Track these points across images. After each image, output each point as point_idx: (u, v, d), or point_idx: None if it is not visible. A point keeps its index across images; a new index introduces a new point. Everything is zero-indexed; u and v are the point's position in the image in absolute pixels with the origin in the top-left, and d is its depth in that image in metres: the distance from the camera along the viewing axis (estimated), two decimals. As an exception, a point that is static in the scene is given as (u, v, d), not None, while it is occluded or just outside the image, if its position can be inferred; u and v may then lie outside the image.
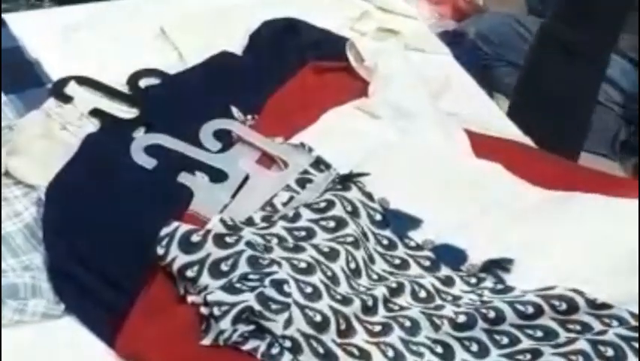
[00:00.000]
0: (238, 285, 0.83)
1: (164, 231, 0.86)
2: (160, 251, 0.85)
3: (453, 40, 1.68)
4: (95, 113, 1.02)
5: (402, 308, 0.86)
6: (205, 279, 0.83)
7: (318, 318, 0.82)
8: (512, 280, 0.90)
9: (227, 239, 0.86)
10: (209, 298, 0.82)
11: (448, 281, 0.90)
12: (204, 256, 0.84)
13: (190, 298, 0.84)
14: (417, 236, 0.94)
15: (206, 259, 0.84)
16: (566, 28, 1.42)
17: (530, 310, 0.86)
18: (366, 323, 0.84)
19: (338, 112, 1.07)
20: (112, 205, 0.92)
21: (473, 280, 0.91)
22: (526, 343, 0.84)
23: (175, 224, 0.86)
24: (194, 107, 1.04)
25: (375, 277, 0.90)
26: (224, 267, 0.84)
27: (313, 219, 0.92)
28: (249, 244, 0.86)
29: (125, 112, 1.03)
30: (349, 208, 0.93)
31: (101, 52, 1.09)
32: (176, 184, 0.95)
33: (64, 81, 1.05)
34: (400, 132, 1.05)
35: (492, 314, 0.85)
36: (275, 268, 0.84)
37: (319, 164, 0.99)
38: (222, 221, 0.88)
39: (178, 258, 0.84)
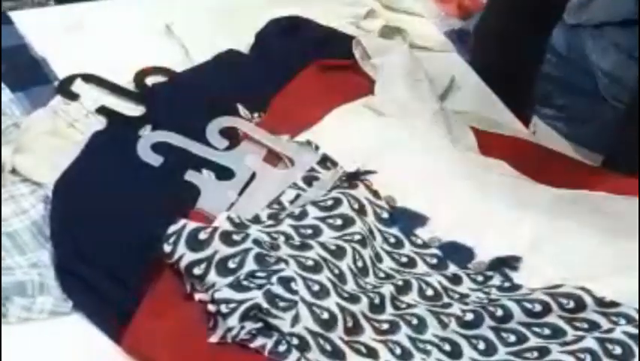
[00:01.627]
0: (245, 283, 0.83)
1: (172, 228, 0.86)
2: (167, 249, 0.85)
3: (458, 38, 1.68)
4: (102, 110, 1.02)
5: (409, 306, 0.86)
6: (212, 277, 0.83)
7: (326, 316, 0.82)
8: (520, 278, 0.90)
9: (235, 237, 0.86)
10: (217, 295, 0.82)
11: (455, 279, 0.90)
12: (211, 254, 0.84)
13: (197, 296, 0.84)
14: (423, 234, 0.94)
15: (214, 257, 0.84)
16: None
17: (538, 308, 0.86)
18: (374, 321, 0.84)
19: (344, 110, 1.07)
20: (119, 203, 0.92)
21: (480, 278, 0.91)
22: (533, 341, 0.84)
23: (182, 222, 0.86)
24: (201, 105, 1.03)
25: (382, 275, 0.90)
26: (231, 264, 0.84)
27: (320, 217, 0.92)
28: (256, 241, 0.86)
29: (132, 110, 1.03)
30: (356, 206, 0.93)
31: (107, 49, 1.09)
32: (183, 182, 0.95)
33: (70, 79, 1.05)
34: (407, 130, 1.05)
35: (499, 312, 0.85)
36: (282, 265, 0.84)
37: (326, 162, 0.99)
38: (229, 219, 0.88)
39: (185, 256, 0.84)
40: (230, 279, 0.83)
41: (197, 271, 0.84)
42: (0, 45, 1.07)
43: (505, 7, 1.30)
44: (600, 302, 0.86)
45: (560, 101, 1.68)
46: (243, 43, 1.13)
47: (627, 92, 1.53)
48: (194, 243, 0.85)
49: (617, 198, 0.98)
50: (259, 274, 0.84)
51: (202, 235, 0.86)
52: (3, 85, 1.03)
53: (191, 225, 0.86)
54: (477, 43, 1.38)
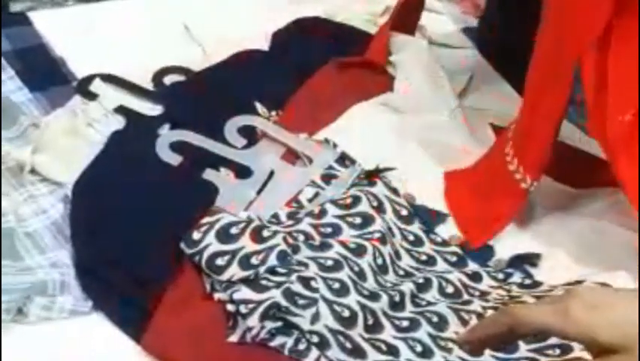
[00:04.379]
0: (264, 282, 0.83)
1: (206, 219, 0.86)
2: (196, 236, 0.85)
3: (475, 35, 1.67)
4: (120, 110, 1.02)
5: (429, 303, 0.86)
6: (233, 269, 0.83)
7: (346, 313, 0.82)
8: (540, 274, 0.90)
9: (265, 233, 0.86)
10: (235, 296, 0.82)
11: (476, 277, 0.90)
12: (238, 248, 0.84)
13: (216, 296, 0.83)
14: (443, 232, 0.94)
15: (239, 251, 0.84)
16: None
17: (559, 305, 0.85)
18: (394, 319, 0.84)
19: (363, 107, 1.06)
20: (138, 202, 0.92)
21: (501, 276, 0.90)
22: (555, 338, 0.83)
23: (219, 215, 0.87)
24: (219, 104, 1.03)
25: (401, 273, 0.89)
26: (254, 261, 0.84)
27: (339, 215, 0.91)
28: (284, 238, 0.86)
29: (150, 109, 1.03)
30: (375, 203, 0.93)
31: (126, 49, 1.09)
32: (202, 181, 0.95)
33: (89, 79, 1.05)
34: (426, 128, 1.04)
35: (520, 309, 0.85)
36: (302, 268, 0.84)
37: (344, 160, 0.99)
38: (249, 219, 0.88)
39: (211, 245, 0.85)
40: (249, 272, 0.83)
41: (219, 261, 0.84)
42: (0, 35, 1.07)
43: None
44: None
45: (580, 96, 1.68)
46: (261, 41, 1.13)
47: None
48: (224, 236, 0.85)
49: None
50: (279, 270, 0.83)
51: (234, 230, 0.86)
52: (22, 85, 1.03)
53: (227, 218, 0.86)
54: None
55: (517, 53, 1.03)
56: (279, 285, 0.82)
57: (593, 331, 0.61)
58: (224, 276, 0.83)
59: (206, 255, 0.84)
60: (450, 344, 0.83)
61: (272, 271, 0.83)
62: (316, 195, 0.95)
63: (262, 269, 0.83)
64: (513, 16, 1.19)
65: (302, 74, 1.09)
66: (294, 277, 0.83)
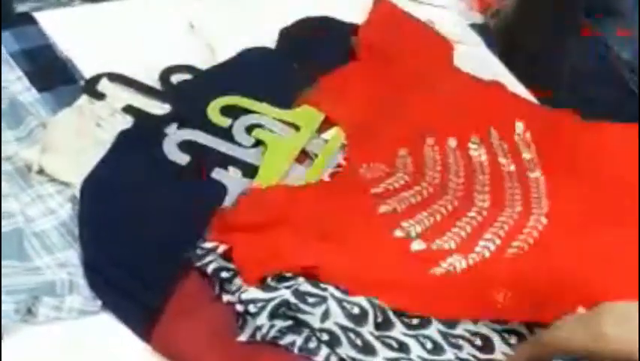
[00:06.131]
0: (273, 283, 0.82)
1: (206, 245, 0.86)
2: (199, 251, 0.85)
3: (481, 31, 1.67)
4: (128, 109, 1.02)
5: (439, 301, 0.86)
6: (239, 280, 0.83)
7: (356, 311, 0.81)
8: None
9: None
10: (244, 296, 0.81)
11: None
12: None
13: (225, 298, 0.83)
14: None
15: None
16: None
17: (571, 300, 0.85)
18: (404, 316, 0.84)
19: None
20: (146, 202, 0.92)
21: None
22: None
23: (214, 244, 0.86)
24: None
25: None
26: None
27: None
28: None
29: (158, 108, 1.03)
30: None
31: (132, 48, 1.09)
32: (210, 180, 0.95)
33: (96, 78, 1.04)
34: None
35: (531, 306, 0.85)
36: None
37: (352, 158, 0.99)
38: None
39: (214, 261, 0.84)
40: None
41: (224, 274, 0.84)
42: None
43: None
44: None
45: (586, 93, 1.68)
46: (269, 39, 1.13)
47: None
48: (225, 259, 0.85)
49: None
50: (287, 274, 0.83)
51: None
52: (29, 85, 1.03)
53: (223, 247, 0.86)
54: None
55: (528, 48, 1.04)
56: (287, 287, 0.82)
57: (629, 345, 0.59)
58: (232, 287, 0.83)
59: (210, 268, 0.84)
60: (460, 341, 0.82)
61: (279, 277, 0.83)
62: (324, 193, 0.95)
63: (269, 277, 0.83)
64: (527, 13, 1.19)
65: (310, 72, 1.08)
66: (301, 278, 0.82)
